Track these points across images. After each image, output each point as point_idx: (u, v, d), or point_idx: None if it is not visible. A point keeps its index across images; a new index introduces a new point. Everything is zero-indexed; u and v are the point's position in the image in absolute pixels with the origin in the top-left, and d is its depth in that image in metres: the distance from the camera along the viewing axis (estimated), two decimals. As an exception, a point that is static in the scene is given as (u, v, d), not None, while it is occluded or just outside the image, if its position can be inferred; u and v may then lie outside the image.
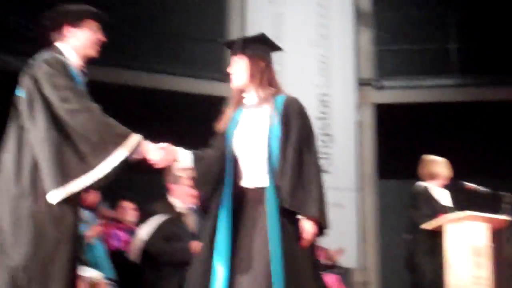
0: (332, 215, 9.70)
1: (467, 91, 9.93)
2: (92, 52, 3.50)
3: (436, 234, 5.57)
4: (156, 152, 3.29)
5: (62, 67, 3.28)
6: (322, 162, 8.86)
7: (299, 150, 3.30)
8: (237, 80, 3.51)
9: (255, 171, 3.39)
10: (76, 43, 3.45)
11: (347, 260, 8.75)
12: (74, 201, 3.15)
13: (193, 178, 3.49)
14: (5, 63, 8.18)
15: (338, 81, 9.94)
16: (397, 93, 10.23)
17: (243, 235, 3.27)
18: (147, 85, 9.61)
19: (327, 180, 10.37)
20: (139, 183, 7.69)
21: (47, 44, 3.47)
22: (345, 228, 9.21)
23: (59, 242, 3.10)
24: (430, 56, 10.34)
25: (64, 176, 3.05)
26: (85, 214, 5.21)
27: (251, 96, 3.51)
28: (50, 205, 3.08)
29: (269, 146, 3.35)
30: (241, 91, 3.54)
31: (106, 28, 3.50)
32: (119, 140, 3.15)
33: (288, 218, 3.21)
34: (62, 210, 3.12)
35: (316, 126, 8.98)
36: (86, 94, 3.29)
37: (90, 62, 3.52)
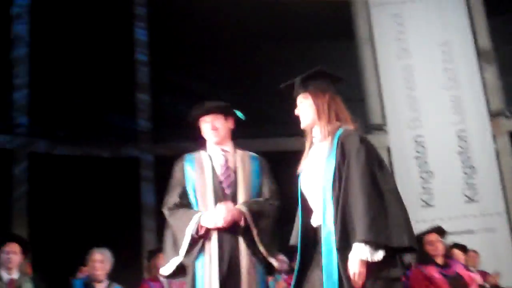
0: (487, 240, 10.38)
1: None
2: (212, 139, 3.85)
3: None
4: (208, 219, 3.59)
5: (177, 167, 3.85)
6: (468, 193, 9.51)
7: (367, 181, 2.87)
8: (305, 120, 3.25)
9: (318, 208, 3.06)
10: (204, 134, 3.88)
11: (505, 281, 8.49)
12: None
13: None
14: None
15: (472, 116, 10.05)
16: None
17: (309, 276, 3.03)
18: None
19: (476, 209, 11.28)
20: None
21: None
22: (500, 251, 9.29)
23: None
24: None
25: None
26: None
27: (317, 132, 3.19)
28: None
29: (324, 181, 3.01)
30: (312, 129, 3.24)
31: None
32: (186, 224, 3.63)
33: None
34: None
35: (459, 160, 9.75)
36: (176, 193, 3.77)
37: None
